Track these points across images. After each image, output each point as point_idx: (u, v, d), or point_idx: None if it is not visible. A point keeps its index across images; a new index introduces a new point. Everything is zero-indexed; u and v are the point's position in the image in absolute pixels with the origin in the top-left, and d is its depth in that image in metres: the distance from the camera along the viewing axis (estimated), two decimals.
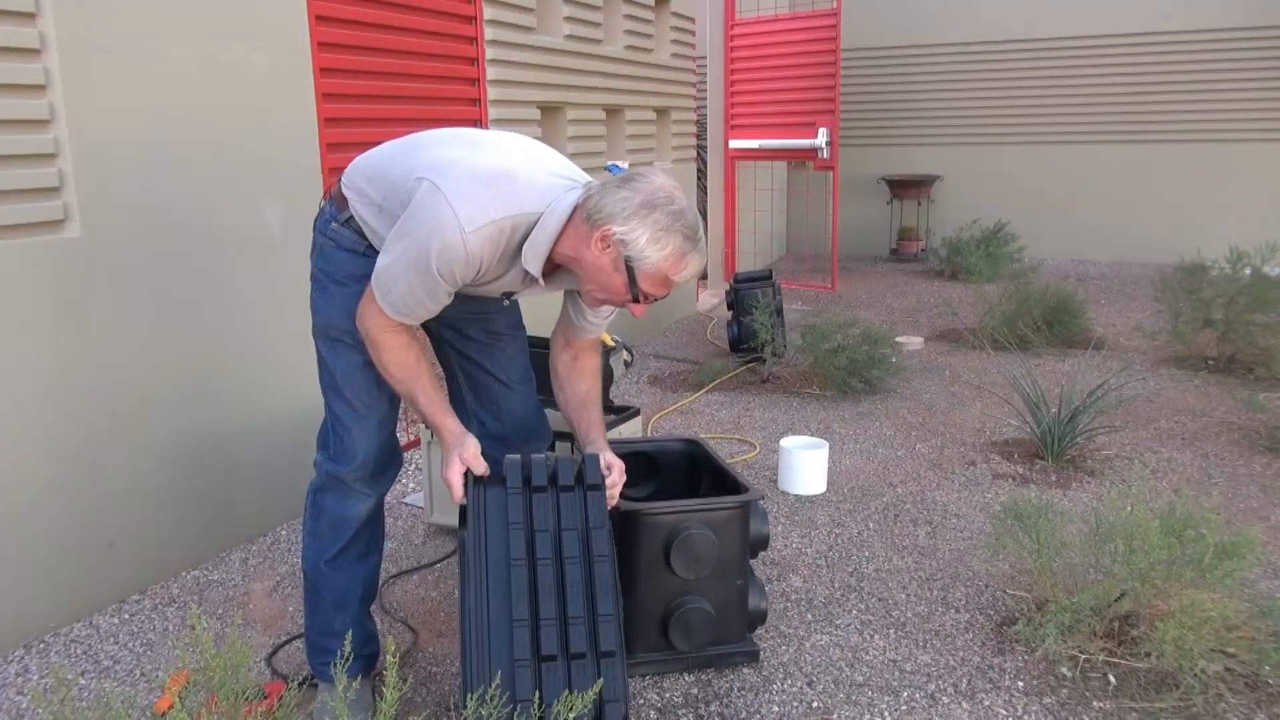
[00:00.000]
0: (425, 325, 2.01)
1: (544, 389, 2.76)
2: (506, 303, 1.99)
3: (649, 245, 1.67)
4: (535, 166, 1.75)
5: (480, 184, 1.67)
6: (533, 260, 1.73)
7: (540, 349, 2.82)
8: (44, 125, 2.30)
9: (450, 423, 1.85)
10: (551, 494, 1.86)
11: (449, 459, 1.83)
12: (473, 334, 2.05)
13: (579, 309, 2.01)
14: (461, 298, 1.88)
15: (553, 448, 2.68)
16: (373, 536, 2.04)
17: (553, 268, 1.80)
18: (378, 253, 1.80)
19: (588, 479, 1.89)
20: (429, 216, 1.65)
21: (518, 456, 1.89)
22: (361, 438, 1.92)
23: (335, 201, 1.89)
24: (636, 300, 1.74)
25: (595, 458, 1.93)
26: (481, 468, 1.85)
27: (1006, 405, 4.08)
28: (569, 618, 1.75)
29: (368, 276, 1.79)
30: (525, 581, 1.76)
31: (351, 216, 1.85)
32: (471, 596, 1.75)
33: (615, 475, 1.96)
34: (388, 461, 1.99)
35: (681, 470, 2.49)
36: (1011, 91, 8.64)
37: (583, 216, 1.70)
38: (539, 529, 1.82)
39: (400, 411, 2.04)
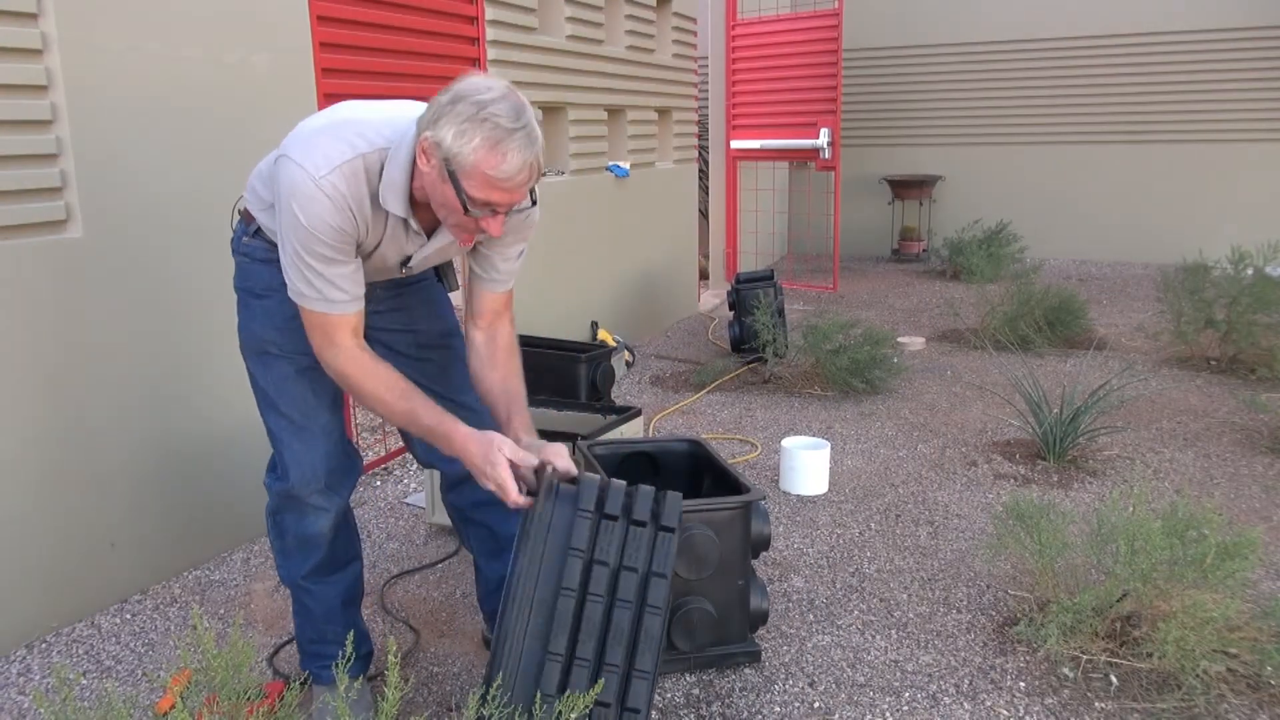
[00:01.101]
0: None
1: (543, 389, 2.76)
2: (404, 271, 1.84)
3: (455, 140, 1.51)
4: (390, 112, 1.67)
5: (319, 135, 1.62)
6: (392, 199, 1.62)
7: (539, 349, 2.82)
8: (46, 126, 2.30)
9: (463, 428, 1.72)
10: (621, 525, 1.74)
11: (492, 460, 1.68)
12: (402, 349, 1.96)
13: (481, 258, 1.88)
14: (376, 288, 1.83)
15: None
16: (347, 544, 2.01)
17: (431, 216, 1.69)
18: None
19: (663, 519, 1.76)
20: (284, 185, 1.60)
21: (597, 477, 1.75)
22: (304, 450, 1.86)
23: (243, 219, 1.87)
24: (466, 210, 1.56)
25: (677, 497, 1.77)
26: (532, 461, 1.72)
27: (1008, 406, 4.08)
28: (604, 664, 1.67)
29: (285, 284, 1.73)
30: (570, 614, 1.67)
31: (260, 228, 1.82)
32: (514, 613, 1.66)
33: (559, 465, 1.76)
34: (341, 470, 1.92)
35: (683, 471, 2.48)
36: (1013, 92, 8.63)
37: (417, 135, 1.58)
38: (599, 559, 1.70)
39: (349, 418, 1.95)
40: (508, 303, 1.95)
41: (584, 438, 2.60)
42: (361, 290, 1.71)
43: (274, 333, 1.82)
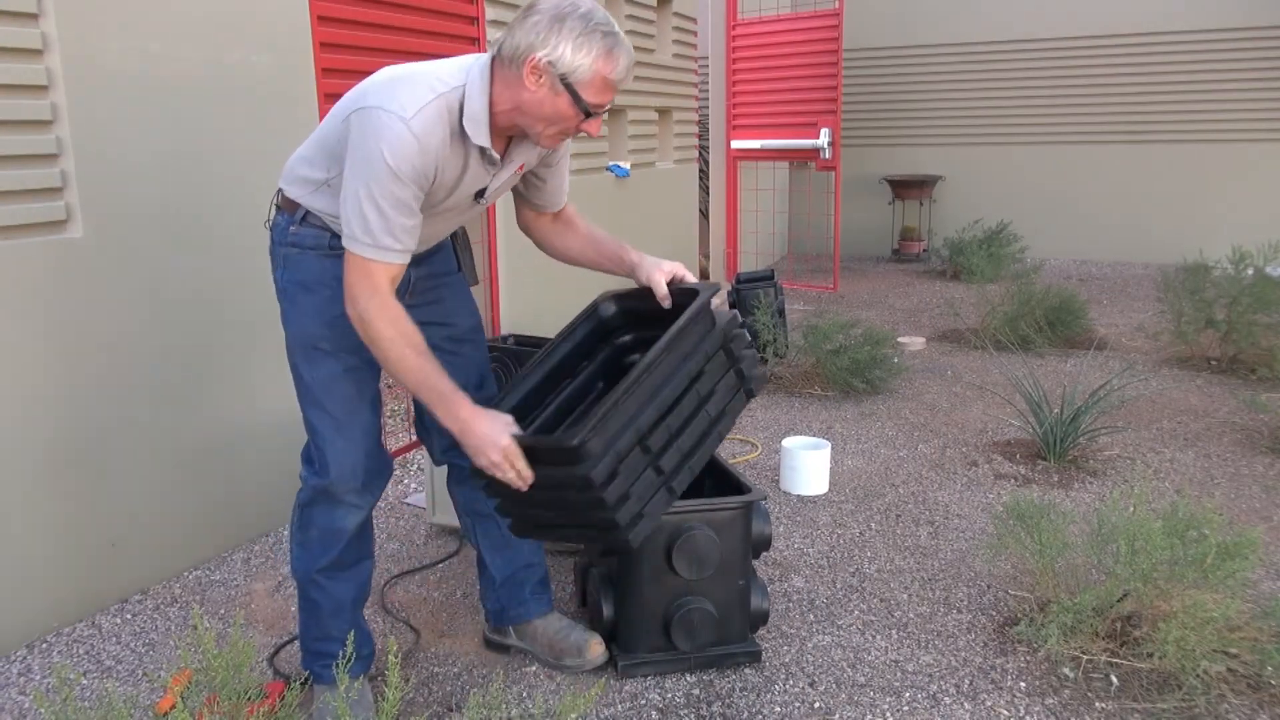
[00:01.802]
0: None
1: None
2: (479, 203, 1.90)
3: (575, 53, 1.65)
4: (443, 62, 1.77)
5: (395, 84, 1.68)
6: (479, 132, 1.72)
7: (539, 349, 2.83)
8: (46, 126, 2.30)
9: (470, 403, 1.75)
10: (726, 361, 1.92)
11: (497, 442, 1.70)
12: (436, 342, 1.95)
13: (535, 187, 1.99)
14: (416, 279, 1.90)
15: None
16: (364, 543, 2.03)
17: (504, 143, 1.80)
18: (341, 243, 1.76)
19: (748, 380, 1.96)
20: (368, 132, 1.64)
21: (732, 313, 1.93)
22: (347, 448, 1.89)
23: (285, 209, 1.87)
24: (588, 114, 1.71)
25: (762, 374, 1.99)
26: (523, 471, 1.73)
27: (1008, 406, 4.08)
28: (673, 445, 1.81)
29: (339, 279, 1.76)
30: (673, 396, 1.80)
31: (307, 213, 1.84)
32: (638, 391, 1.74)
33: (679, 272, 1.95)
34: (376, 471, 1.95)
35: None
36: (1013, 92, 8.63)
37: (504, 65, 1.69)
38: (704, 374, 1.86)
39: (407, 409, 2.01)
40: (571, 209, 2.09)
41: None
42: (413, 247, 1.75)
43: (325, 329, 1.84)
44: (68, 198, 2.35)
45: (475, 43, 3.77)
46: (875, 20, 8.85)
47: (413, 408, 2.14)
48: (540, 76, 1.66)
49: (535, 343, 2.83)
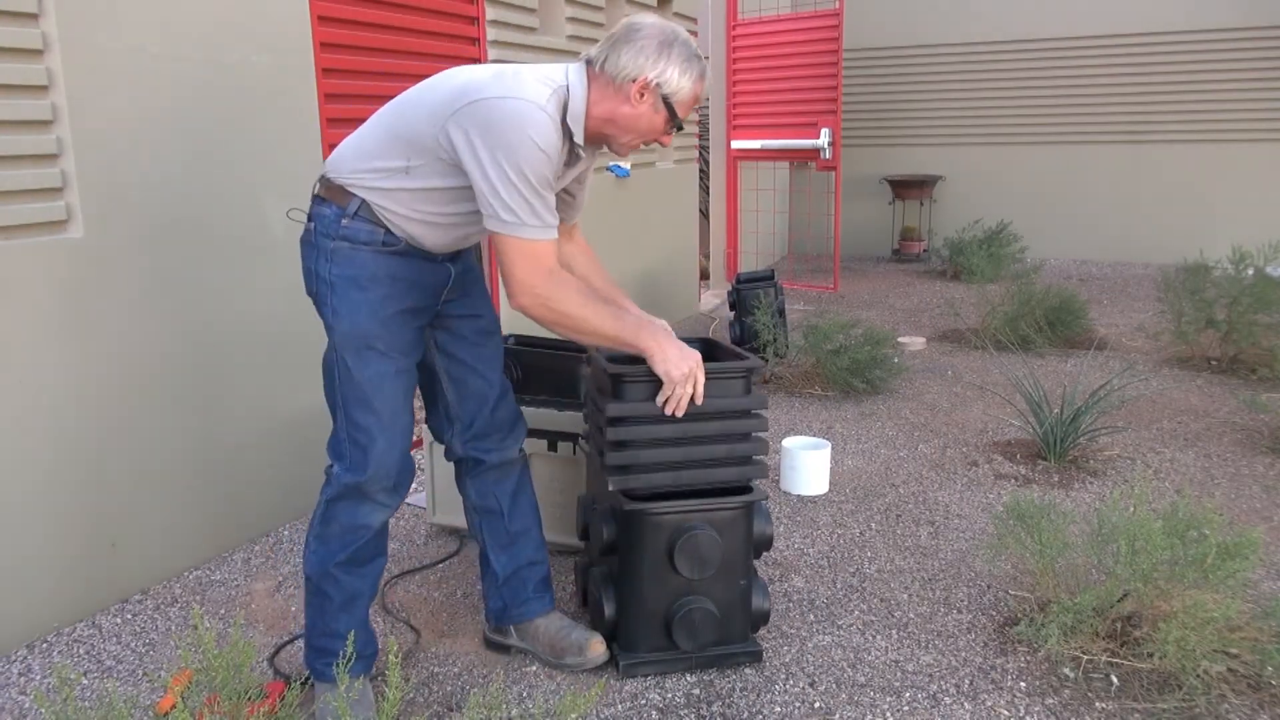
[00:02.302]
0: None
1: (543, 389, 2.76)
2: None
3: (682, 77, 1.86)
4: (525, 65, 1.89)
5: (511, 78, 1.79)
6: (578, 129, 1.87)
7: (539, 349, 2.82)
8: (47, 126, 2.30)
9: (647, 327, 1.99)
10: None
11: (689, 356, 1.99)
12: (465, 333, 2.07)
13: (564, 202, 2.10)
14: (460, 272, 2.00)
15: (553, 445, 2.69)
16: (382, 540, 2.05)
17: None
18: (398, 240, 1.85)
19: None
20: (506, 121, 1.74)
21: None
22: (387, 448, 1.91)
23: (334, 199, 1.86)
24: (680, 129, 1.97)
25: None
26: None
27: (1009, 406, 4.08)
28: None
29: (390, 276, 1.84)
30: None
31: (362, 204, 1.84)
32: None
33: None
34: (408, 471, 1.99)
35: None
36: (1013, 92, 8.63)
37: (605, 81, 1.86)
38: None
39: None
40: (577, 226, 2.26)
41: (584, 436, 2.60)
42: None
43: (379, 328, 1.86)
44: (68, 198, 2.35)
45: (475, 43, 3.77)
46: (875, 20, 8.86)
47: (423, 406, 2.17)
48: (645, 95, 1.86)
49: (536, 343, 2.83)
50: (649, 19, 1.89)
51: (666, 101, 1.87)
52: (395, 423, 1.92)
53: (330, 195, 1.87)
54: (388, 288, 1.85)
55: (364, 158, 1.85)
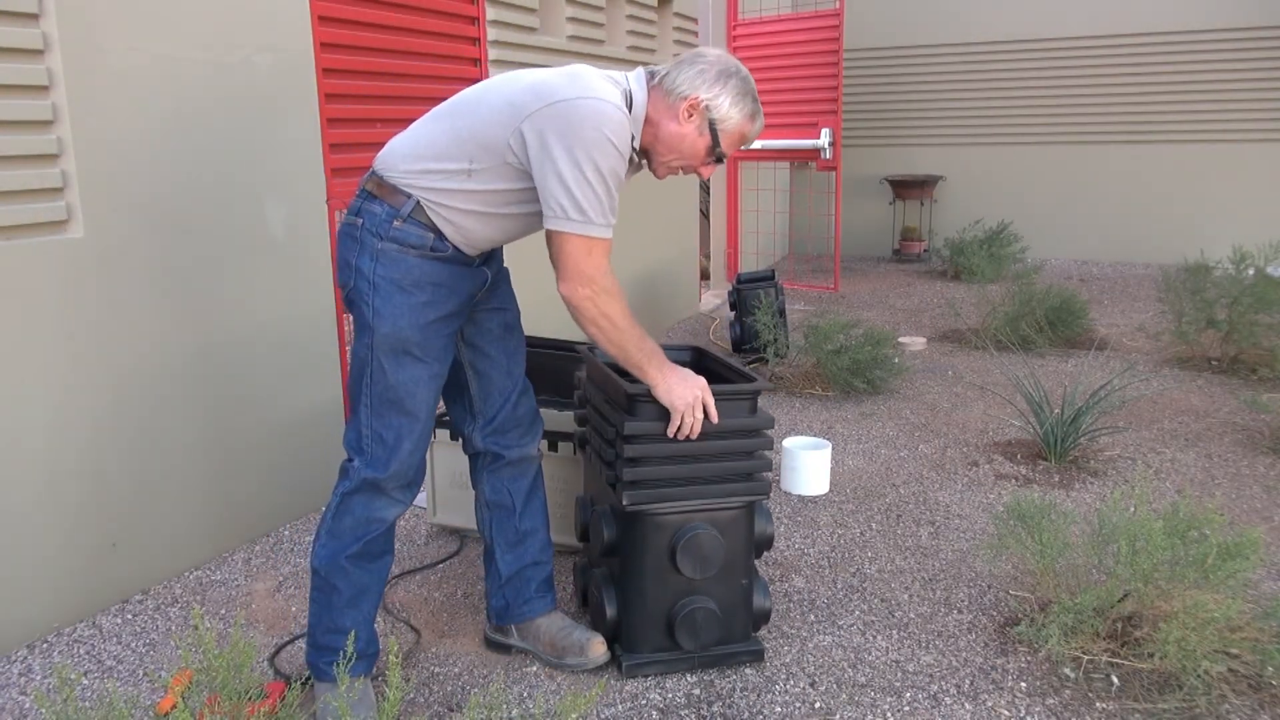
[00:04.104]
0: None
1: (543, 389, 2.76)
2: None
3: (733, 107, 1.90)
4: (593, 70, 1.90)
5: (585, 79, 1.82)
6: (637, 131, 1.89)
7: (539, 349, 2.82)
8: (47, 126, 2.30)
9: (668, 362, 2.01)
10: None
11: (698, 386, 2.00)
12: (491, 326, 2.09)
13: None
14: (496, 270, 2.03)
15: (554, 445, 2.69)
16: (390, 537, 2.06)
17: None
18: (449, 248, 1.86)
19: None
20: (584, 119, 1.76)
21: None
22: (412, 450, 1.95)
23: (386, 199, 1.85)
24: (720, 160, 1.96)
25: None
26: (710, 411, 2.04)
27: (1009, 406, 4.08)
28: None
29: (433, 283, 1.86)
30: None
31: (415, 205, 1.84)
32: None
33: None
34: (422, 471, 2.02)
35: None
36: (1014, 92, 8.63)
37: (661, 93, 1.90)
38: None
39: None
40: None
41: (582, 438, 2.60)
42: None
43: (418, 334, 1.87)
44: (68, 198, 2.35)
45: (475, 43, 3.77)
46: (876, 20, 8.85)
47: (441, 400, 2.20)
48: (693, 115, 1.89)
49: (536, 342, 2.83)
50: (716, 51, 1.93)
51: (712, 127, 1.90)
52: (423, 425, 1.95)
53: (382, 193, 1.86)
54: (430, 294, 1.87)
55: (421, 158, 1.85)
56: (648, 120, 1.91)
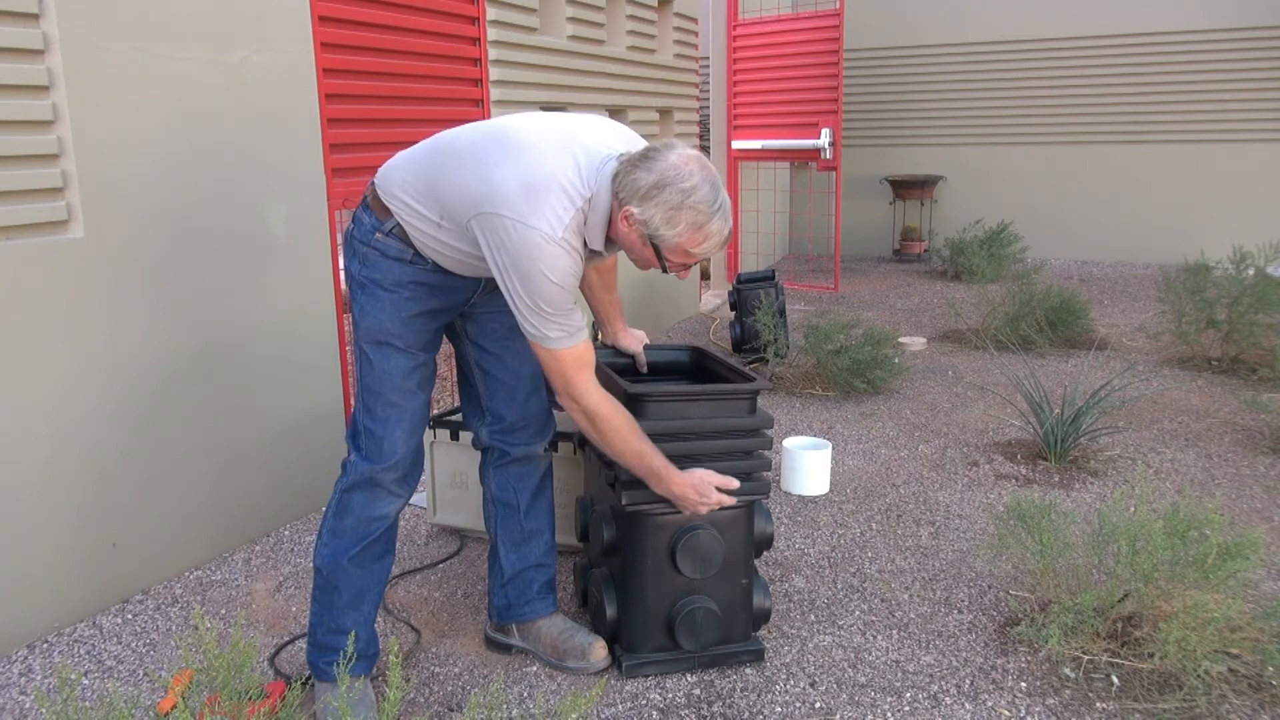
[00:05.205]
0: (449, 324, 2.06)
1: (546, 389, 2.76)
2: None
3: (663, 225, 1.75)
4: (573, 151, 1.79)
5: (539, 195, 1.72)
6: (596, 239, 1.82)
7: None
8: (47, 126, 2.30)
9: (677, 472, 1.99)
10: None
11: (704, 493, 2.00)
12: (495, 326, 2.10)
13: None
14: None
15: (554, 444, 2.69)
16: (392, 537, 2.07)
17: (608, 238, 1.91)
18: (426, 260, 1.89)
19: None
20: (519, 248, 1.72)
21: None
22: (403, 438, 1.96)
23: (375, 212, 1.92)
24: (665, 271, 1.85)
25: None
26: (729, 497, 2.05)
27: (1009, 406, 4.08)
28: None
29: (415, 282, 1.89)
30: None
31: (396, 225, 1.89)
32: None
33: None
34: (417, 463, 2.03)
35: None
36: (1014, 92, 8.63)
37: (614, 193, 1.78)
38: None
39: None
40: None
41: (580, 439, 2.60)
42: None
43: (400, 326, 1.91)
44: (68, 198, 2.35)
45: (475, 43, 3.77)
46: (876, 20, 8.85)
47: (456, 388, 2.22)
48: (631, 226, 1.77)
49: None
50: (675, 152, 1.76)
51: (652, 241, 1.78)
52: (409, 414, 1.96)
53: (374, 206, 1.93)
54: (412, 291, 1.91)
55: (406, 191, 1.87)
56: (612, 218, 1.81)
